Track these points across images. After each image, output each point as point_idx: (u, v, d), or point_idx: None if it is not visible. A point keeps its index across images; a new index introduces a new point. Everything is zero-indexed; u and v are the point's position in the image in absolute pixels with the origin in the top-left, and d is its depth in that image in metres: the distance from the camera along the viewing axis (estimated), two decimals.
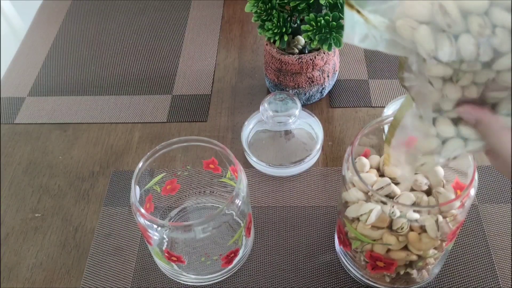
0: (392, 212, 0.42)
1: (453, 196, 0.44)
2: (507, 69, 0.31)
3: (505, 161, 0.34)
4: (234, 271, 0.54)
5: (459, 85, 0.33)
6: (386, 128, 0.56)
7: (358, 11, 0.32)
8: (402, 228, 0.43)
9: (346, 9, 0.32)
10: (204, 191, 0.59)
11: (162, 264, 0.53)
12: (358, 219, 0.45)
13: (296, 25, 0.64)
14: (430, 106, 0.36)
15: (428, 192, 0.47)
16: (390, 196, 0.46)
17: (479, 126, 0.35)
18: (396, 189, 0.46)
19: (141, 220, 0.46)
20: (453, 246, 0.54)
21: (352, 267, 0.52)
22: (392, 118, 0.47)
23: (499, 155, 0.35)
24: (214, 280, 0.54)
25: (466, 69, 0.32)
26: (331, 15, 0.58)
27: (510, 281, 0.52)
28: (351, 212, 0.45)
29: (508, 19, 0.29)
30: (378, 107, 0.69)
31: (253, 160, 0.62)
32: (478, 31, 0.30)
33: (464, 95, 0.34)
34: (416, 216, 0.42)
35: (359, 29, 0.33)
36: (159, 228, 0.46)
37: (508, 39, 0.30)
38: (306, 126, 0.64)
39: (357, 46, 0.34)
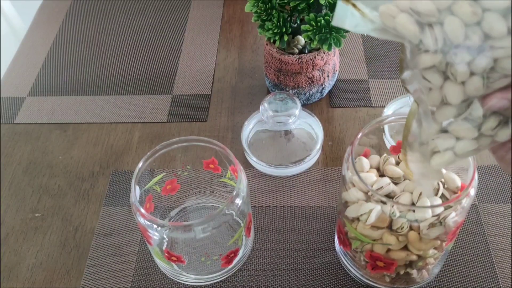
0: (393, 213, 0.42)
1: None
2: (505, 55, 0.30)
3: None
4: (234, 271, 0.54)
5: (459, 81, 0.32)
6: (386, 128, 0.57)
7: (354, 5, 0.32)
8: (402, 228, 0.43)
9: (340, 3, 0.32)
10: (204, 191, 0.59)
11: (162, 264, 0.53)
12: (358, 219, 0.45)
13: (296, 25, 0.64)
14: (429, 110, 0.35)
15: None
16: (390, 196, 0.46)
17: None
18: (396, 189, 0.46)
19: (141, 220, 0.46)
20: (453, 246, 0.54)
21: (352, 267, 0.52)
22: (393, 117, 0.47)
23: None
24: (214, 280, 0.54)
25: (455, 59, 0.31)
26: (331, 15, 0.58)
27: (510, 281, 0.52)
28: (351, 212, 0.45)
29: (498, 2, 0.28)
30: (378, 107, 0.69)
31: (253, 160, 0.62)
32: (471, 12, 0.29)
33: (466, 93, 0.33)
34: (416, 216, 0.42)
35: (352, 18, 0.33)
36: (159, 228, 0.46)
37: (500, 23, 0.29)
38: (306, 126, 0.64)
39: (347, 29, 0.34)
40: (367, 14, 0.32)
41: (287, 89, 0.68)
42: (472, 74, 0.32)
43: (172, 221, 0.58)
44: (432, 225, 0.42)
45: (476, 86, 0.32)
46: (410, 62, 0.34)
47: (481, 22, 0.30)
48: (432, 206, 0.42)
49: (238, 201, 0.48)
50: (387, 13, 0.32)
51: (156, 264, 0.55)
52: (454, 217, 0.42)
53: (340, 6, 0.32)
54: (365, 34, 0.34)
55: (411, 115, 0.38)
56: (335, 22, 0.33)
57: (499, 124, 0.34)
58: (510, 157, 0.35)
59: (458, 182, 0.45)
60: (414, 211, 0.42)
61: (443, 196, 0.45)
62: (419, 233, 0.43)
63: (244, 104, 0.71)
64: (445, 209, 0.42)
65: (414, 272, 0.48)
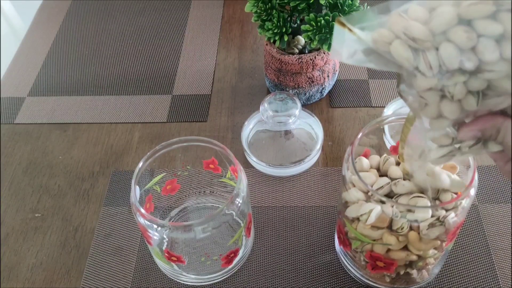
0: (395, 214, 0.42)
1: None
2: (498, 77, 0.31)
3: None
4: (234, 271, 0.54)
5: (456, 99, 0.32)
6: (386, 128, 0.57)
7: (350, 29, 0.32)
8: (402, 228, 0.43)
9: (336, 27, 0.32)
10: (204, 191, 0.59)
11: (162, 264, 0.53)
12: (358, 219, 0.45)
13: (296, 25, 0.64)
14: (426, 122, 0.35)
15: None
16: (390, 196, 0.46)
17: (498, 133, 0.34)
18: (396, 189, 0.46)
19: (141, 220, 0.46)
20: (453, 246, 0.54)
21: (352, 267, 0.52)
22: (393, 117, 0.47)
23: None
24: (214, 280, 0.54)
25: (451, 81, 0.31)
26: (331, 15, 0.58)
27: (510, 281, 0.52)
28: (351, 212, 0.45)
29: (492, 28, 0.29)
30: (378, 107, 0.69)
31: (253, 160, 0.62)
32: (466, 38, 0.29)
33: (463, 110, 0.33)
34: (416, 216, 0.42)
35: (348, 46, 0.33)
36: (159, 228, 0.46)
37: (492, 47, 0.29)
38: (306, 126, 0.64)
39: (345, 62, 0.34)
40: (362, 37, 0.32)
41: (287, 89, 0.68)
42: (467, 92, 0.32)
43: (172, 221, 0.58)
44: (432, 225, 0.42)
45: (470, 103, 0.33)
46: (407, 81, 0.34)
47: (476, 47, 0.30)
48: (432, 206, 0.42)
49: (238, 201, 0.48)
50: (381, 40, 0.32)
51: (156, 264, 0.55)
52: (454, 217, 0.42)
53: (336, 32, 0.32)
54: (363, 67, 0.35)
55: (408, 122, 0.39)
56: (333, 55, 0.33)
57: (478, 143, 0.35)
58: (510, 169, 0.36)
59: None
60: (413, 211, 0.42)
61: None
62: (419, 233, 0.43)
63: (244, 104, 0.71)
64: (445, 209, 0.42)
65: (414, 272, 0.48)
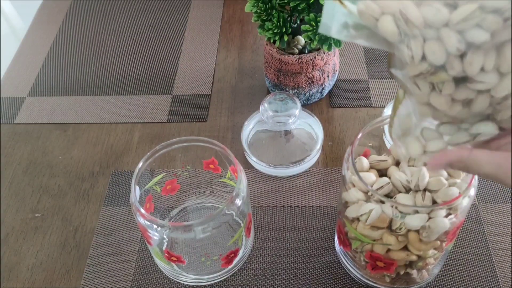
0: (395, 214, 0.42)
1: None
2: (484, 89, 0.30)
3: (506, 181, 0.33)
4: (234, 271, 0.54)
5: (444, 94, 0.32)
6: (386, 128, 0.56)
7: (341, 2, 0.31)
8: (400, 229, 0.43)
9: (328, 1, 0.31)
10: (204, 191, 0.59)
11: (162, 264, 0.53)
12: (358, 219, 0.45)
13: (296, 25, 0.64)
14: (417, 104, 0.35)
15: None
16: (390, 196, 0.46)
17: (458, 164, 0.34)
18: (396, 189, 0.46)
19: (141, 220, 0.46)
20: (453, 246, 0.54)
21: (352, 267, 0.52)
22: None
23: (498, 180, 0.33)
24: (214, 280, 0.54)
25: (437, 76, 0.31)
26: None
27: (510, 281, 0.52)
28: (351, 212, 0.45)
29: (480, 37, 0.28)
30: (378, 107, 0.69)
31: (253, 160, 0.62)
32: (456, 48, 0.29)
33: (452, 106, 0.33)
34: (412, 224, 0.42)
35: (338, 20, 0.32)
36: (159, 228, 0.46)
37: (478, 61, 0.29)
38: (306, 126, 0.64)
39: (334, 37, 0.33)
40: (354, 12, 0.31)
41: (287, 89, 0.68)
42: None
43: (172, 221, 0.58)
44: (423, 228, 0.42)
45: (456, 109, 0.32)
46: (398, 62, 0.33)
47: (464, 58, 0.29)
48: (432, 206, 0.42)
49: (238, 201, 0.48)
50: (369, 13, 0.31)
51: (156, 264, 0.55)
52: (453, 218, 0.42)
53: (327, 5, 0.31)
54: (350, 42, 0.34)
55: (397, 101, 0.38)
56: (322, 29, 0.32)
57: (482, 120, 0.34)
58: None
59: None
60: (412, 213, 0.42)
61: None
62: (418, 234, 0.43)
63: (244, 104, 0.71)
64: (445, 209, 0.42)
65: (414, 272, 0.48)
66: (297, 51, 0.65)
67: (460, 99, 0.32)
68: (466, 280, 0.52)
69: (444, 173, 0.45)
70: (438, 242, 0.44)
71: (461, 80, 0.31)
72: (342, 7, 0.31)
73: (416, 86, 0.33)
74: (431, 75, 0.31)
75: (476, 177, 0.42)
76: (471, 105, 0.32)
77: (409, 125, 0.37)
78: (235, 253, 0.52)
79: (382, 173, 0.48)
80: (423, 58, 0.30)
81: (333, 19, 0.32)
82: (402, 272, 0.48)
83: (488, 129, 0.34)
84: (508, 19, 0.27)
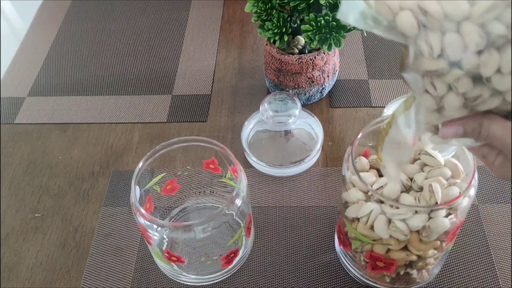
0: (393, 227, 0.42)
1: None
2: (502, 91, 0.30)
3: None
4: (234, 271, 0.54)
5: (461, 92, 0.32)
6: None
7: None
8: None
9: None
10: (204, 191, 0.59)
11: (162, 264, 0.53)
12: (358, 219, 0.45)
13: (296, 25, 0.64)
14: (424, 111, 0.35)
15: None
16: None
17: (481, 127, 0.34)
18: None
19: (141, 220, 0.46)
20: (453, 246, 0.54)
21: (352, 267, 0.52)
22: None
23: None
24: (214, 280, 0.54)
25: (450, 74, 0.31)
26: (331, 15, 0.58)
27: (510, 281, 0.52)
28: (351, 212, 0.45)
29: (499, 30, 0.28)
30: (378, 107, 0.69)
31: (253, 160, 0.62)
32: (475, 42, 0.29)
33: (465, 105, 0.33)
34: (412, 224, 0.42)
35: (356, 9, 0.31)
36: (159, 228, 0.46)
37: (494, 62, 0.29)
38: (306, 126, 0.64)
39: (352, 24, 0.32)
40: (372, 5, 0.31)
41: (287, 89, 0.68)
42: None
43: (172, 221, 0.58)
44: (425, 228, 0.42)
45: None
46: (413, 60, 0.33)
47: (481, 55, 0.29)
48: (431, 207, 0.42)
49: (238, 201, 0.48)
50: (385, 7, 0.31)
51: (156, 264, 0.55)
52: (453, 218, 0.42)
53: None
54: (365, 33, 0.34)
55: (388, 125, 0.38)
56: (340, 15, 0.32)
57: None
58: (499, 163, 0.36)
59: (460, 166, 0.45)
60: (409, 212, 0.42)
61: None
62: (418, 234, 0.43)
63: (244, 104, 0.71)
64: (445, 209, 0.42)
65: (414, 272, 0.48)
66: (297, 51, 0.65)
67: (472, 96, 0.32)
68: (466, 280, 0.52)
69: (445, 174, 0.45)
70: (438, 242, 0.44)
71: (476, 79, 0.31)
72: None
73: (433, 86, 0.32)
74: (446, 74, 0.31)
75: (476, 177, 0.42)
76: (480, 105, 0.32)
77: (398, 149, 0.38)
78: (235, 253, 0.52)
79: (382, 173, 0.48)
80: (440, 53, 0.30)
81: (352, 8, 0.32)
82: (402, 272, 0.48)
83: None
84: None
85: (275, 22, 0.60)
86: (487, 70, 0.30)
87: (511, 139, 0.33)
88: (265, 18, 0.60)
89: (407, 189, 0.45)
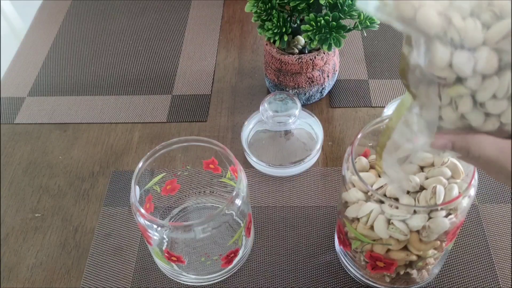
0: (392, 228, 0.42)
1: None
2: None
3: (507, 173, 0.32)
4: (234, 271, 0.54)
5: (460, 111, 0.32)
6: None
7: None
8: None
9: None
10: (204, 191, 0.59)
11: (162, 264, 0.53)
12: (358, 219, 0.45)
13: (296, 25, 0.64)
14: (435, 110, 0.35)
15: None
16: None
17: (469, 153, 0.34)
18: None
19: (141, 220, 0.46)
20: (453, 246, 0.54)
21: (352, 267, 0.52)
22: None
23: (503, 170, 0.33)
24: (214, 280, 0.54)
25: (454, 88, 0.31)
26: (331, 15, 0.58)
27: (510, 281, 0.52)
28: (351, 212, 0.45)
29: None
30: (378, 107, 0.69)
31: (253, 160, 0.62)
32: (495, 67, 0.29)
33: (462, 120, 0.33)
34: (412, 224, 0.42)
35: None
36: (159, 228, 0.46)
37: (494, 87, 0.29)
38: (306, 126, 0.64)
39: (371, 14, 0.32)
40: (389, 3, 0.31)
41: (287, 89, 0.68)
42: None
43: (172, 221, 0.58)
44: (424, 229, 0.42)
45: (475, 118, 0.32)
46: (424, 51, 0.33)
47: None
48: (431, 206, 0.42)
49: (238, 201, 0.48)
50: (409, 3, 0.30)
51: (156, 264, 0.55)
52: (453, 218, 0.42)
53: None
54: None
55: (398, 112, 0.38)
56: (359, 3, 0.31)
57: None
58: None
59: (461, 167, 0.45)
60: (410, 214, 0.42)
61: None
62: (418, 234, 0.43)
63: (244, 104, 0.71)
64: (445, 209, 0.42)
65: (414, 272, 0.48)
66: (297, 51, 0.65)
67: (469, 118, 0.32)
68: (466, 280, 0.52)
69: (445, 173, 0.45)
70: (438, 242, 0.44)
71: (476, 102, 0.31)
72: None
73: (438, 96, 0.33)
74: (449, 87, 0.31)
75: (476, 177, 0.42)
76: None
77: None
78: (235, 253, 0.52)
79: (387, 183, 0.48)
80: (449, 65, 0.30)
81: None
82: (402, 272, 0.48)
83: None
84: None
85: (275, 22, 0.60)
86: (485, 95, 0.30)
87: (511, 159, 0.32)
88: (265, 18, 0.60)
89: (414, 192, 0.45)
